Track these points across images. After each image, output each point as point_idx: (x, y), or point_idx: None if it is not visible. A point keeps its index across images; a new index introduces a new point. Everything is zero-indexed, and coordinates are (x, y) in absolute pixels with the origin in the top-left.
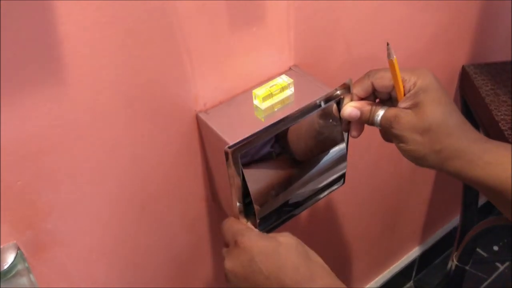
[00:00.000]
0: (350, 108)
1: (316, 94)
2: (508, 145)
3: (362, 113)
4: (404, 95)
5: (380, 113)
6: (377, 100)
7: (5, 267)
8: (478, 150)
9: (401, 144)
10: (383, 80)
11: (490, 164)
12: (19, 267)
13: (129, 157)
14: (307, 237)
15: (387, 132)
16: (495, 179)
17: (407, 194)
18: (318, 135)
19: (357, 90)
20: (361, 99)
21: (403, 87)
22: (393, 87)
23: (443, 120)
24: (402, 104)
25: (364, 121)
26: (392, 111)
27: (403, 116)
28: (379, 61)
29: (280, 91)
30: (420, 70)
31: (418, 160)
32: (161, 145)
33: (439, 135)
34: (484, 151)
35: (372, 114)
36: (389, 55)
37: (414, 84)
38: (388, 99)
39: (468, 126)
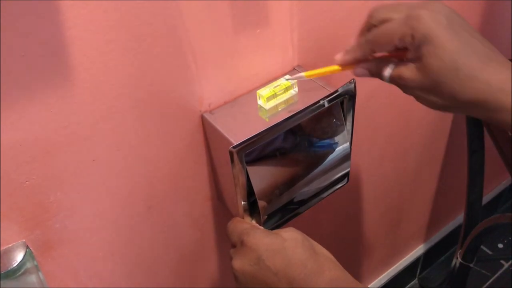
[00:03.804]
0: (359, 69)
1: (320, 94)
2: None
3: (370, 71)
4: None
5: (388, 71)
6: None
7: (14, 265)
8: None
9: (418, 101)
10: (382, 39)
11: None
12: (28, 265)
13: (135, 157)
14: (311, 236)
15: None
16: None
17: (411, 192)
18: (322, 134)
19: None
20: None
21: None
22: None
23: (452, 69)
24: (409, 54)
25: (377, 77)
26: (396, 70)
27: (407, 75)
28: None
29: (284, 91)
30: (412, 16)
31: (442, 111)
32: (167, 145)
33: (451, 88)
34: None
35: (380, 72)
36: None
37: (412, 37)
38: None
39: (489, 56)
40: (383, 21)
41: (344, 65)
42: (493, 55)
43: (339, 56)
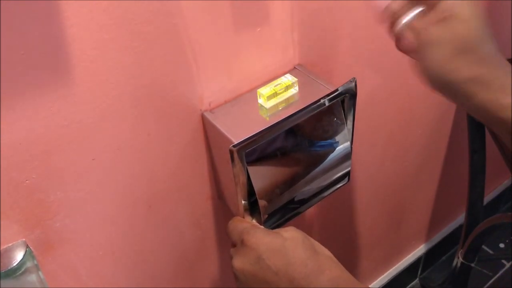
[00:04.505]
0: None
1: (321, 93)
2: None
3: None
4: None
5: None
6: None
7: (15, 264)
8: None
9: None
10: None
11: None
12: (28, 264)
13: (136, 156)
14: (312, 235)
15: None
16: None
17: (413, 191)
18: (323, 133)
19: None
20: None
21: None
22: None
23: (480, 42)
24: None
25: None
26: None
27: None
28: (385, 59)
29: (285, 90)
30: None
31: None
32: (167, 144)
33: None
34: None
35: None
36: None
37: None
38: None
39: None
40: None
41: None
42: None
43: None
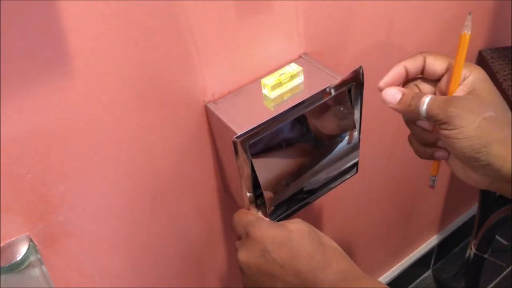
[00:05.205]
0: (393, 90)
1: (326, 82)
2: None
3: (404, 95)
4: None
5: (427, 98)
6: None
7: (18, 258)
8: None
9: (454, 131)
10: (436, 63)
11: None
12: (32, 258)
13: (138, 148)
14: (321, 227)
15: (437, 119)
16: None
17: (424, 181)
18: (329, 123)
19: (407, 63)
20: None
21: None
22: (442, 76)
23: (506, 111)
24: (459, 92)
25: (404, 106)
26: (444, 96)
27: (461, 98)
28: (393, 48)
29: (289, 80)
30: (471, 64)
31: (477, 151)
32: (171, 136)
33: (503, 123)
34: None
35: (416, 98)
36: (465, 27)
37: (470, 72)
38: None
39: None
40: None
41: None
42: None
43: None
